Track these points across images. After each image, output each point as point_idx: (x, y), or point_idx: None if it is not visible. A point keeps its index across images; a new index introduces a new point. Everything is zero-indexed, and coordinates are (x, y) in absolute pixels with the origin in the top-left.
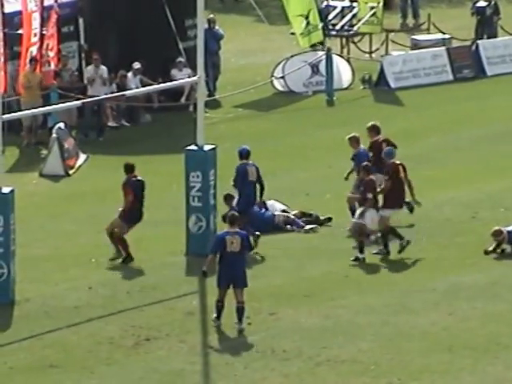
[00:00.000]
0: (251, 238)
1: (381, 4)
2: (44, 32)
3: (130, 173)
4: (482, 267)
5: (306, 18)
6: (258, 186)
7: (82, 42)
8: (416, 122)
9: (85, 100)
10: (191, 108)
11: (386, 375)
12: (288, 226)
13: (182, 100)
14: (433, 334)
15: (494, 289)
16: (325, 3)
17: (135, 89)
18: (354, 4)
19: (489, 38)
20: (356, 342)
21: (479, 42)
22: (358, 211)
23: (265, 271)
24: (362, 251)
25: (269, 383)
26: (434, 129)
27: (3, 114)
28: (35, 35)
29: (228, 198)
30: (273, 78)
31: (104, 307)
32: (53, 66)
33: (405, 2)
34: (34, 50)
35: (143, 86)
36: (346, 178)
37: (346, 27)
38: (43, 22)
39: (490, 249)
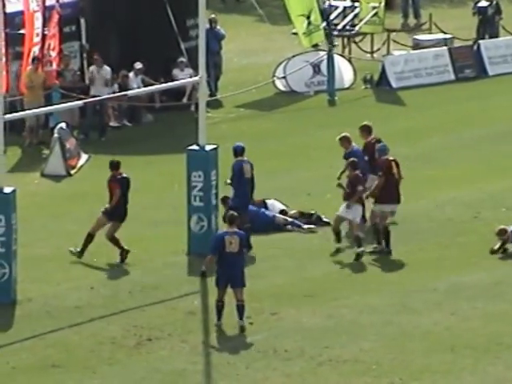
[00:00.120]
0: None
1: (382, 4)
2: (46, 32)
3: (115, 170)
4: (483, 267)
5: (308, 17)
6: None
7: (84, 42)
8: (418, 121)
9: (87, 100)
10: (193, 108)
11: (387, 375)
12: (288, 227)
13: (184, 100)
14: (435, 333)
15: (496, 289)
16: (327, 3)
17: (137, 89)
18: (356, 4)
19: (490, 37)
20: (358, 342)
21: (481, 41)
22: (343, 205)
23: (266, 271)
24: (358, 243)
25: (271, 383)
26: (435, 129)
27: (6, 113)
28: (37, 35)
29: (225, 200)
30: (274, 78)
31: (106, 307)
32: (55, 66)
33: (406, 2)
34: (36, 50)
35: (145, 86)
36: (339, 178)
37: (347, 27)
38: (45, 22)
39: (496, 247)
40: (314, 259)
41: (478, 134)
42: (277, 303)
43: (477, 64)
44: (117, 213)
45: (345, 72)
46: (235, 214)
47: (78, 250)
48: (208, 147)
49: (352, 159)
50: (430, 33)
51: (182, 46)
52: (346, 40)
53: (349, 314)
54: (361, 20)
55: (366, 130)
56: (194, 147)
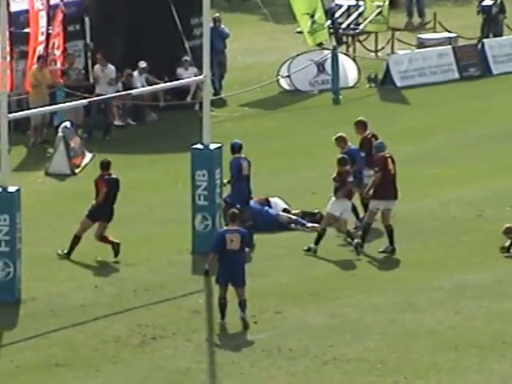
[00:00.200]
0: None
1: (387, 3)
2: (50, 31)
3: (105, 170)
4: (488, 266)
5: (312, 16)
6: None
7: (88, 40)
8: (422, 120)
9: (91, 99)
10: (197, 107)
11: (392, 374)
12: (292, 225)
13: (188, 99)
14: (439, 332)
15: (500, 287)
16: (334, 3)
17: (141, 88)
18: (360, 3)
19: (495, 36)
20: (362, 341)
21: (485, 40)
22: (331, 201)
23: (269, 270)
24: (351, 237)
25: (275, 382)
26: (439, 127)
27: (11, 112)
28: (42, 34)
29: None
30: (279, 77)
31: (110, 306)
32: (59, 65)
33: (410, 1)
34: (41, 48)
35: (149, 85)
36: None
37: (352, 26)
38: (49, 21)
39: (507, 245)
40: (317, 258)
41: (482, 132)
42: (281, 302)
43: (481, 63)
44: (102, 213)
45: (349, 71)
46: (236, 211)
47: (65, 251)
48: (212, 146)
49: (342, 156)
50: (435, 32)
51: (187, 45)
52: (350, 39)
53: (353, 312)
54: (365, 19)
55: (361, 125)
56: (199, 146)
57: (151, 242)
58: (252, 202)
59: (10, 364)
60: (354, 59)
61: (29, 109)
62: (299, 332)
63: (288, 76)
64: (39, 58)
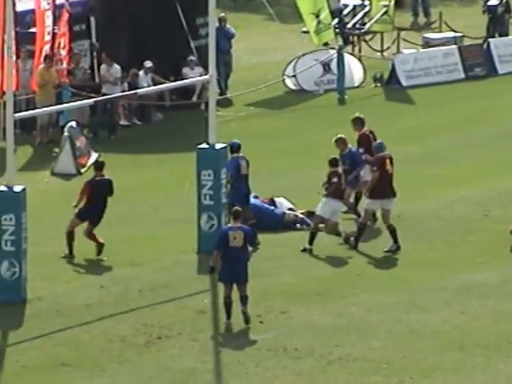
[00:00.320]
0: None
1: (392, 2)
2: (56, 30)
3: (98, 170)
4: (493, 265)
5: (317, 16)
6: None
7: (94, 40)
8: (427, 120)
9: (97, 98)
10: (203, 106)
11: (397, 373)
12: (297, 225)
13: (194, 98)
14: (444, 332)
15: (506, 287)
16: (341, 2)
17: (147, 87)
18: (366, 2)
19: (500, 36)
20: (368, 341)
21: (491, 40)
22: (320, 202)
23: (275, 270)
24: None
25: (281, 382)
26: (445, 127)
27: (17, 112)
28: (48, 33)
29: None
30: (284, 77)
31: (116, 305)
32: (65, 65)
33: (416, 1)
34: (47, 48)
35: (155, 85)
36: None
37: (357, 25)
38: (55, 21)
39: None
40: (322, 258)
41: (487, 132)
42: (286, 302)
43: (487, 62)
44: (90, 214)
45: (355, 70)
46: (239, 208)
47: (67, 252)
48: (218, 146)
49: (333, 157)
50: (440, 31)
51: (192, 45)
52: (356, 38)
53: (358, 312)
54: (371, 18)
55: (358, 122)
56: (204, 146)
57: (157, 242)
58: (258, 202)
59: (16, 364)
60: (359, 59)
61: (35, 108)
62: (305, 332)
63: (294, 76)
64: (46, 57)
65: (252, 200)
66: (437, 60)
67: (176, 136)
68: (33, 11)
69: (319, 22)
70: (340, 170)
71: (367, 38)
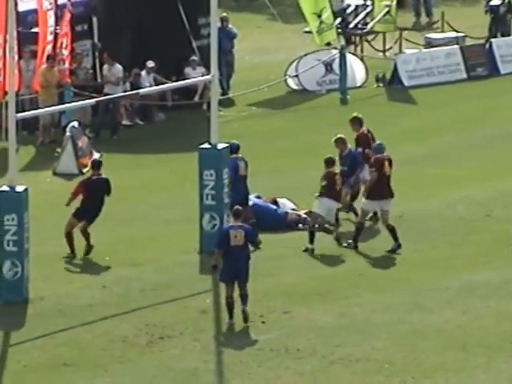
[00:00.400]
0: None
1: (395, 2)
2: (58, 30)
3: (95, 169)
4: (495, 265)
5: (319, 16)
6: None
7: (96, 40)
8: (429, 120)
9: (99, 98)
10: (205, 106)
11: (400, 373)
12: (300, 225)
13: (196, 98)
14: (447, 332)
15: (508, 287)
16: (345, 2)
17: (149, 87)
18: (368, 2)
19: (502, 36)
20: (370, 341)
21: (493, 40)
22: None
23: (276, 270)
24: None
25: (282, 382)
26: (447, 127)
27: (19, 112)
28: (51, 33)
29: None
30: (286, 77)
31: (118, 306)
32: (67, 65)
33: (418, 1)
34: (49, 48)
35: (157, 85)
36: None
37: (359, 25)
38: (57, 21)
39: None
40: (324, 258)
41: (489, 132)
42: (288, 302)
43: (489, 62)
44: (86, 213)
45: (357, 70)
46: (240, 208)
47: (69, 252)
48: (220, 146)
49: (329, 156)
50: (442, 31)
51: (194, 45)
52: (358, 38)
53: (360, 312)
54: (373, 18)
55: (356, 122)
56: (206, 146)
57: (158, 242)
58: (261, 201)
59: (18, 364)
60: (361, 59)
61: (37, 108)
62: (307, 332)
63: (296, 76)
64: (48, 57)
65: (255, 200)
66: (439, 60)
67: (178, 136)
68: (35, 11)
69: (321, 22)
70: (336, 169)
71: (369, 37)
